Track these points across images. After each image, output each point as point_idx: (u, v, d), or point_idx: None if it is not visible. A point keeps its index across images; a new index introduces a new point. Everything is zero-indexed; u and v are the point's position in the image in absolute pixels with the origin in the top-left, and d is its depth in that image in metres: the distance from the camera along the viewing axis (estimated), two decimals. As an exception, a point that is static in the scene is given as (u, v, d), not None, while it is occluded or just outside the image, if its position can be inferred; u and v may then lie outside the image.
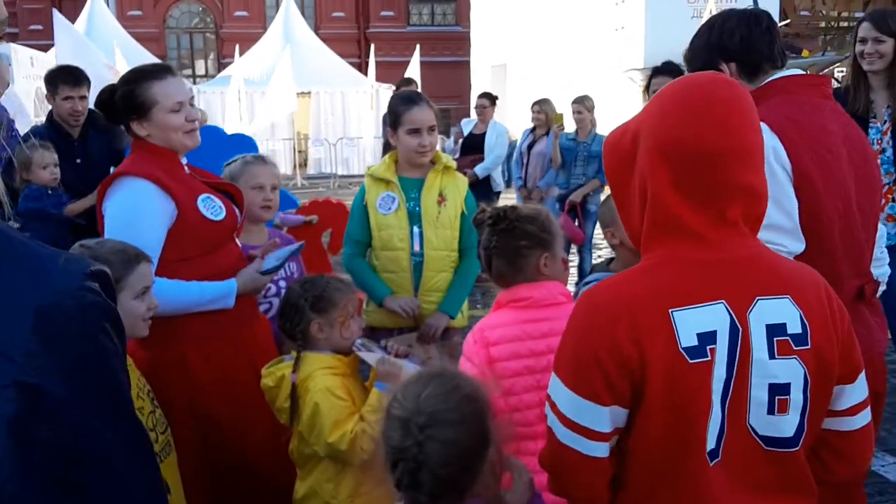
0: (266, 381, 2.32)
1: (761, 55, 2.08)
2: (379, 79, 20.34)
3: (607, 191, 2.12)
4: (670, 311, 1.25)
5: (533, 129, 7.20)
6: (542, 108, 7.12)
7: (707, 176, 1.28)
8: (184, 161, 2.54)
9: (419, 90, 7.49)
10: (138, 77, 2.45)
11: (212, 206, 2.43)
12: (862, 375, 1.38)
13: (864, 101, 3.37)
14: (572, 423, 1.30)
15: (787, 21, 14.80)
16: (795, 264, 1.41)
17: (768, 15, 2.15)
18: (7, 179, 4.27)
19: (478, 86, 18.55)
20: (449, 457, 1.33)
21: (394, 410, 1.40)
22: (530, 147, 7.15)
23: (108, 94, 2.51)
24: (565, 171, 6.79)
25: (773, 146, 1.90)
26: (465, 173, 6.91)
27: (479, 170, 7.16)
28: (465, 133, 7.74)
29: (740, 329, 1.26)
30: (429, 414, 1.35)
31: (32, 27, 28.12)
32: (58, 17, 11.18)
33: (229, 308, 2.43)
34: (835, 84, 3.72)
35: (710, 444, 1.27)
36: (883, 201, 3.39)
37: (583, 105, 6.73)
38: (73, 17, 19.46)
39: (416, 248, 3.05)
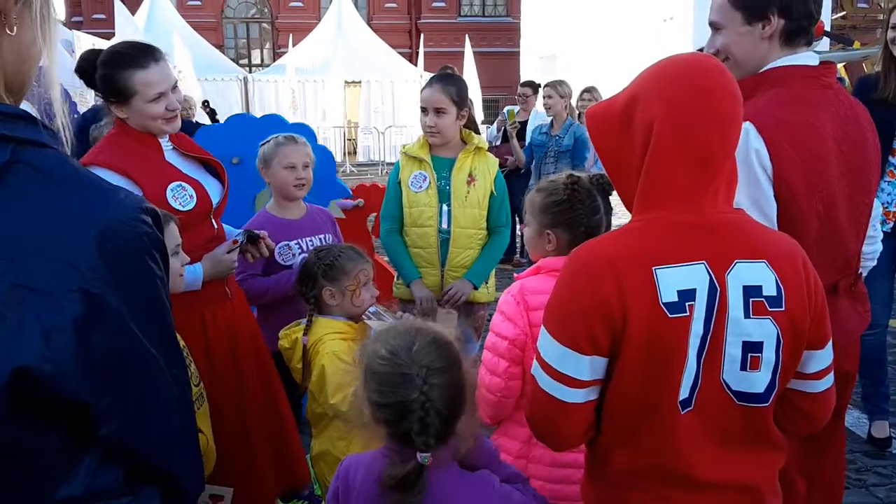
0: (282, 343, 2.47)
1: (810, 24, 2.00)
2: (428, 69, 20.50)
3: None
4: (653, 268, 1.34)
5: (579, 116, 7.16)
6: (593, 96, 6.94)
7: (709, 139, 1.36)
8: (164, 140, 2.53)
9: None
10: (119, 62, 2.39)
11: (181, 196, 2.44)
12: (830, 344, 1.46)
13: (894, 88, 3.39)
14: (554, 370, 1.39)
15: (844, 13, 14.45)
16: (775, 233, 1.48)
17: None
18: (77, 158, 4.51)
19: (527, 76, 18.53)
20: (450, 398, 1.48)
21: (382, 367, 1.51)
22: None
23: (89, 63, 2.45)
24: (535, 170, 5.90)
25: (756, 148, 1.87)
26: (505, 160, 7.04)
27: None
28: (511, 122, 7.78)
29: (718, 288, 1.35)
30: (427, 365, 1.48)
31: (96, 16, 29.00)
32: (119, 9, 11.57)
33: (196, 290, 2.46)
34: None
35: (684, 393, 1.36)
36: None
37: (555, 90, 5.91)
38: (134, 6, 20.03)
39: (444, 225, 3.18)
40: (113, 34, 12.46)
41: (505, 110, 8.35)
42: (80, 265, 0.85)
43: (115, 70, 2.37)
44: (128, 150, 2.42)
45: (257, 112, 19.46)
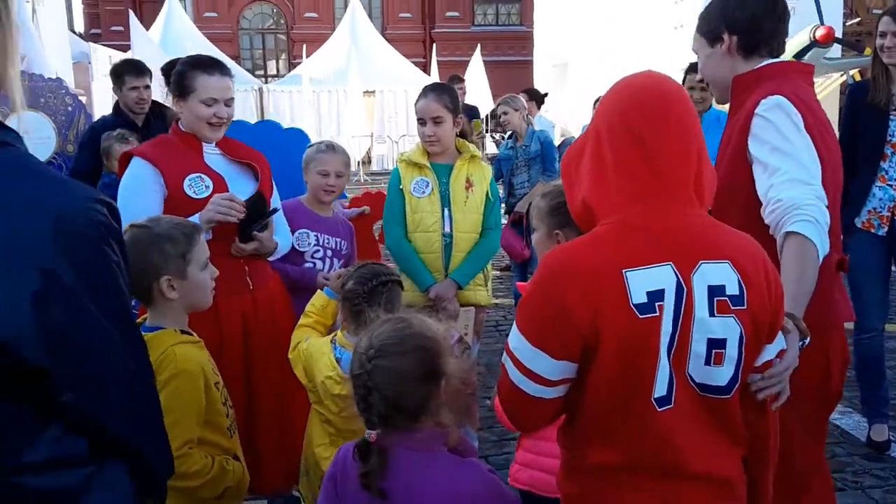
0: None
1: (763, 38, 2.16)
2: (442, 78, 20.59)
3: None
4: (623, 271, 1.39)
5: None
6: None
7: (642, 131, 1.44)
8: (210, 145, 2.82)
9: (461, 86, 7.68)
10: (193, 64, 2.79)
11: (196, 185, 2.72)
12: (779, 336, 1.54)
13: (885, 94, 3.42)
14: (525, 368, 1.46)
15: (859, 19, 14.43)
16: (738, 234, 1.53)
17: (785, 6, 2.19)
18: (86, 166, 4.65)
19: (540, 84, 18.55)
20: (392, 381, 1.55)
21: (357, 348, 1.64)
22: None
23: (170, 66, 2.88)
24: (506, 182, 5.91)
25: (799, 116, 2.00)
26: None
27: None
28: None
29: (685, 288, 1.40)
30: (378, 347, 1.58)
31: (114, 28, 29.41)
32: (134, 24, 11.73)
33: None
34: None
35: (660, 391, 1.41)
36: None
37: (509, 106, 5.96)
38: (151, 18, 20.33)
39: (447, 229, 3.28)
40: (129, 46, 12.63)
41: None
42: (36, 246, 0.94)
43: (187, 69, 2.77)
44: (166, 146, 2.80)
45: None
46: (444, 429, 1.61)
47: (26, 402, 0.96)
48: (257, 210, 2.75)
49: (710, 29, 2.22)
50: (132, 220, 2.19)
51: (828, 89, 12.82)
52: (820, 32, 10.87)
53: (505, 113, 5.93)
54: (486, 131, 14.33)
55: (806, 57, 11.37)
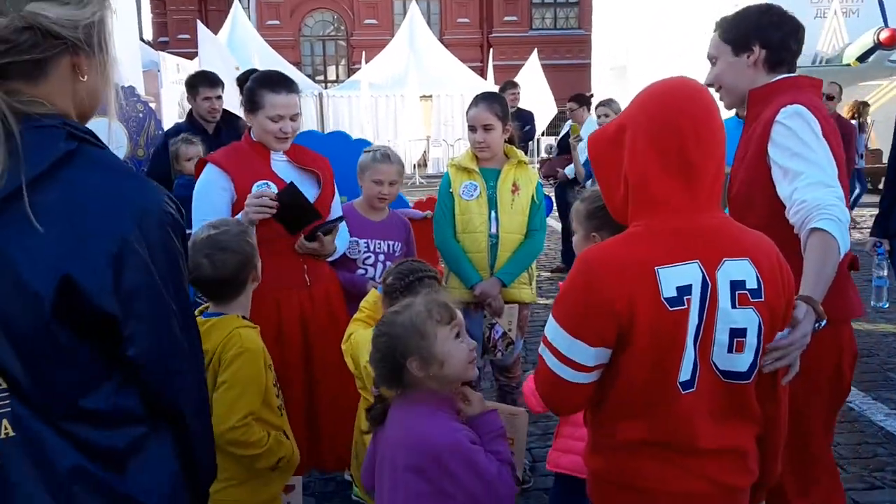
0: None
1: (788, 56, 2.31)
2: (497, 82, 20.70)
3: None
4: (655, 268, 1.52)
5: None
6: (611, 109, 7.01)
7: (689, 157, 1.54)
8: (278, 154, 3.02)
9: (514, 92, 7.77)
10: (263, 81, 2.99)
11: (264, 191, 2.90)
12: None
13: None
14: (562, 356, 1.58)
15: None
16: (754, 233, 1.64)
17: (804, 29, 2.34)
18: (160, 170, 4.93)
19: (598, 88, 18.49)
20: (371, 358, 1.93)
21: None
22: None
23: (244, 78, 3.12)
24: (592, 184, 5.87)
25: (815, 126, 2.11)
26: (556, 172, 7.17)
27: (568, 170, 7.30)
28: (562, 134, 7.94)
29: (710, 283, 1.52)
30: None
31: (181, 36, 30.36)
32: (201, 28, 12.19)
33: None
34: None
35: (685, 376, 1.54)
36: None
37: (609, 108, 6.22)
38: (216, 27, 20.94)
39: (493, 230, 3.41)
40: (196, 54, 13.10)
41: (567, 124, 8.51)
42: (122, 224, 1.14)
43: (256, 86, 2.97)
44: (238, 153, 3.02)
45: (332, 125, 20.07)
46: (438, 394, 1.85)
47: (93, 346, 1.15)
48: (292, 199, 2.87)
49: (737, 38, 2.31)
50: (203, 219, 2.48)
51: (892, 92, 12.46)
52: (884, 35, 10.66)
53: (605, 115, 6.16)
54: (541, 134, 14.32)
55: (870, 59, 11.13)
